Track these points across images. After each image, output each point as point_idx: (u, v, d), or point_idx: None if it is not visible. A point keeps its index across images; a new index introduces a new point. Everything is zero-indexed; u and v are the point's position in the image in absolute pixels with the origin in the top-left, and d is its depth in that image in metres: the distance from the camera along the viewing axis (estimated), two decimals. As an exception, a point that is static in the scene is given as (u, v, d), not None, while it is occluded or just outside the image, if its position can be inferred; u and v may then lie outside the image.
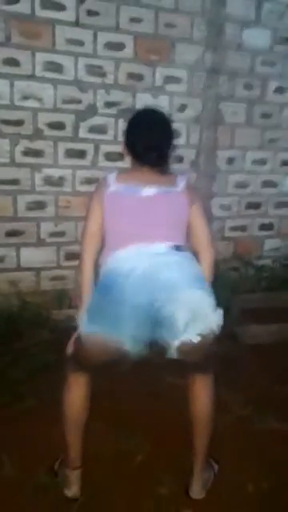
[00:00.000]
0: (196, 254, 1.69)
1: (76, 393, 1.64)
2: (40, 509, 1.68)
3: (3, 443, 1.93)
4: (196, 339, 1.41)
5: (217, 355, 1.65)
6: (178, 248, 1.58)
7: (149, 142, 1.64)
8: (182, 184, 1.68)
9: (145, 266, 1.47)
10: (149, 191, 1.61)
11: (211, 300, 1.50)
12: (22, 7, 2.57)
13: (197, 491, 1.74)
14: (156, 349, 1.47)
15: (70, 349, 1.64)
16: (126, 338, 1.44)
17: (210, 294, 1.52)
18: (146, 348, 1.46)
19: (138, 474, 1.85)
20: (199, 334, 1.42)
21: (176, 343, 1.41)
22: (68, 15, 2.67)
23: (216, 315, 1.48)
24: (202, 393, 1.65)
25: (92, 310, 1.53)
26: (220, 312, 1.50)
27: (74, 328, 1.61)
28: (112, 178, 1.66)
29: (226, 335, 1.65)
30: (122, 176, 1.67)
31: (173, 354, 1.43)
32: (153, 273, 1.46)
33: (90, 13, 2.71)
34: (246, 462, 1.94)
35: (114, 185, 1.63)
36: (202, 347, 1.46)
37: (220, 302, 1.57)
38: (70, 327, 1.61)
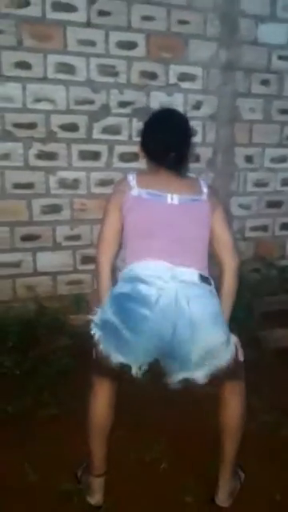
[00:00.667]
0: (219, 261, 1.66)
1: (101, 400, 1.61)
2: (63, 516, 1.65)
3: (26, 450, 1.91)
4: (201, 380, 1.47)
5: (243, 363, 1.62)
6: (204, 279, 1.54)
7: (166, 141, 1.59)
8: (205, 191, 1.63)
9: (171, 295, 1.43)
10: (174, 199, 1.56)
11: (226, 338, 1.52)
12: (33, 10, 2.56)
13: (223, 499, 1.70)
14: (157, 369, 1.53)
15: (94, 353, 1.59)
16: (133, 362, 1.48)
17: (227, 331, 1.54)
18: (147, 369, 1.52)
19: (162, 482, 1.81)
20: (207, 374, 1.48)
21: (181, 377, 1.48)
22: (79, 16, 2.65)
23: (228, 351, 1.51)
24: (232, 400, 1.60)
25: (106, 327, 1.49)
26: (232, 347, 1.54)
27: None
28: (133, 180, 1.60)
29: (249, 339, 1.61)
30: (143, 179, 1.61)
31: (175, 383, 1.50)
32: (178, 307, 1.43)
33: (102, 13, 2.69)
34: (273, 469, 1.88)
35: (136, 188, 1.57)
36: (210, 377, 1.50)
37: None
38: (88, 332, 1.58)
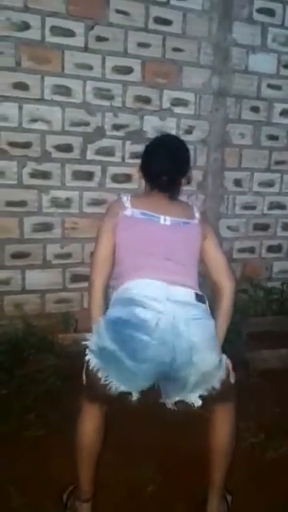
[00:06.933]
0: (215, 284, 1.67)
1: (90, 425, 1.57)
2: None
3: (10, 474, 1.87)
4: (197, 403, 1.49)
5: (235, 386, 1.62)
6: (199, 298, 1.55)
7: (160, 165, 1.65)
8: (197, 216, 1.68)
9: (169, 319, 1.43)
10: (167, 220, 1.60)
11: (220, 359, 1.54)
12: (33, 33, 2.61)
13: None
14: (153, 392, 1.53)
15: (84, 377, 1.55)
16: (134, 389, 1.49)
17: (220, 353, 1.56)
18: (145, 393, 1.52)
19: (149, 505, 1.79)
20: (201, 396, 1.49)
21: (176, 399, 1.52)
22: (77, 41, 2.71)
23: (219, 373, 1.52)
24: (223, 424, 1.59)
25: (103, 354, 1.46)
26: (224, 368, 1.54)
27: (84, 354, 1.55)
28: (127, 200, 1.64)
29: (237, 360, 1.62)
30: (137, 200, 1.66)
31: (170, 405, 1.54)
32: (176, 331, 1.43)
33: (99, 38, 2.75)
34: (260, 491, 1.88)
35: (129, 209, 1.61)
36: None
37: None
38: (76, 352, 1.56)
